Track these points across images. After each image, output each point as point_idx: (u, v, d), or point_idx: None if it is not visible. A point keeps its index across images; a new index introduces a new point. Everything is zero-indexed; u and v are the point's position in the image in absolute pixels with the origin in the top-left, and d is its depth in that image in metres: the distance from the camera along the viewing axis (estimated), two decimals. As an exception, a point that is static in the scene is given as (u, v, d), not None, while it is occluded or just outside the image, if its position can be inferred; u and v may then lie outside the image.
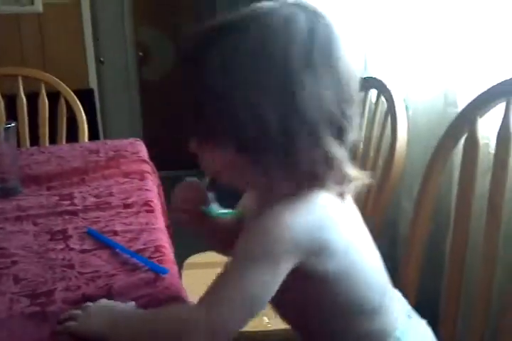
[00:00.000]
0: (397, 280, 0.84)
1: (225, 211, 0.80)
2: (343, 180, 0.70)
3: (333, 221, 0.70)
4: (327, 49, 0.66)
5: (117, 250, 0.91)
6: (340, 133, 0.68)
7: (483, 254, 1.02)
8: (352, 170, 0.70)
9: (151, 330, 0.67)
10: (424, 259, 1.11)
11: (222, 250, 0.89)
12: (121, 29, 3.88)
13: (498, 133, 0.99)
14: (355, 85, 0.69)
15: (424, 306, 1.12)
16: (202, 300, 0.66)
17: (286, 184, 0.68)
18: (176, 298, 0.76)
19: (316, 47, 0.65)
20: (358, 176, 0.71)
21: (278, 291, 0.66)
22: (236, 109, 0.64)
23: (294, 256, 0.66)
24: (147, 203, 1.14)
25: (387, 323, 0.80)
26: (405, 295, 0.94)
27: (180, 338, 0.65)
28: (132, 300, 0.75)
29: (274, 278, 0.65)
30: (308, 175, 0.68)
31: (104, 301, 0.74)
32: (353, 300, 0.76)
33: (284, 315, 0.81)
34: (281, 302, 0.74)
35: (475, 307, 1.03)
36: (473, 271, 1.11)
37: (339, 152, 0.68)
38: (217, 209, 0.78)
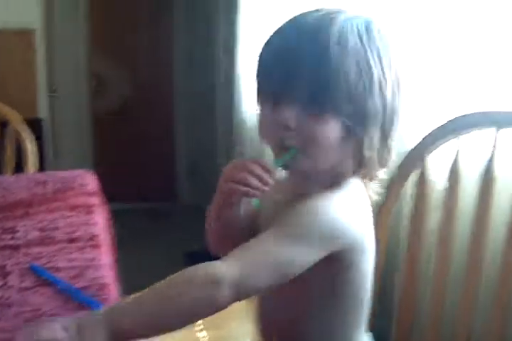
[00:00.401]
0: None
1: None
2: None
3: (369, 216, 0.74)
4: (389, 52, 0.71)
5: (60, 288, 0.87)
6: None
7: (433, 289, 1.03)
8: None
9: (178, 292, 0.63)
10: (376, 295, 1.10)
11: (220, 245, 0.85)
12: (76, 60, 3.84)
13: (450, 170, 1.01)
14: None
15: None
16: (232, 255, 0.65)
17: (370, 170, 0.73)
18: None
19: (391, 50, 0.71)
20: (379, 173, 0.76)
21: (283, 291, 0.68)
22: (371, 81, 0.67)
23: (332, 245, 0.68)
24: (93, 238, 1.10)
25: None
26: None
27: (210, 292, 0.62)
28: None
29: (307, 257, 0.67)
30: (383, 163, 0.73)
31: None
32: (356, 310, 0.76)
33: (270, 323, 0.79)
34: (278, 305, 0.74)
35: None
36: (425, 305, 1.11)
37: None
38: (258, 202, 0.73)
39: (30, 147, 1.89)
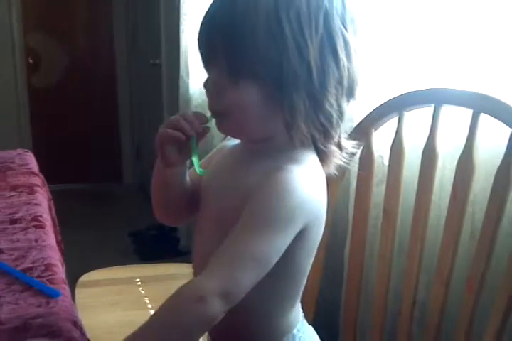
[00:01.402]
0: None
1: (203, 170, 0.76)
2: (338, 145, 0.75)
3: (325, 189, 0.74)
4: (354, 20, 0.72)
5: (2, 269, 0.84)
6: (349, 99, 0.73)
7: (379, 259, 1.06)
8: (344, 140, 0.76)
9: (172, 320, 0.63)
10: (324, 268, 1.12)
11: (159, 207, 0.85)
12: (10, 35, 3.68)
13: (392, 145, 1.04)
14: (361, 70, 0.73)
15: (323, 316, 1.14)
16: (211, 267, 0.65)
17: (296, 136, 0.70)
18: (70, 321, 0.71)
19: (347, 16, 0.71)
20: (347, 145, 0.76)
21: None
22: (285, 44, 0.66)
23: (302, 221, 0.68)
24: (36, 218, 1.07)
25: (293, 318, 0.80)
26: (305, 304, 0.94)
27: (199, 310, 0.63)
28: (22, 324, 0.69)
29: (284, 240, 0.67)
30: (323, 129, 0.71)
31: None
32: (300, 280, 0.77)
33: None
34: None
35: (373, 313, 1.06)
36: (372, 276, 1.14)
37: (346, 113, 0.72)
38: (198, 162, 0.74)
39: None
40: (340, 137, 0.76)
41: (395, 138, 1.03)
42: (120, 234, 2.93)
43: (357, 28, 0.72)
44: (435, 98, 0.98)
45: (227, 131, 0.75)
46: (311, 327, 0.85)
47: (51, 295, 0.76)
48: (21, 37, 3.73)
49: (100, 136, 4.00)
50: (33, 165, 1.48)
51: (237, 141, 0.80)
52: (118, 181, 4.07)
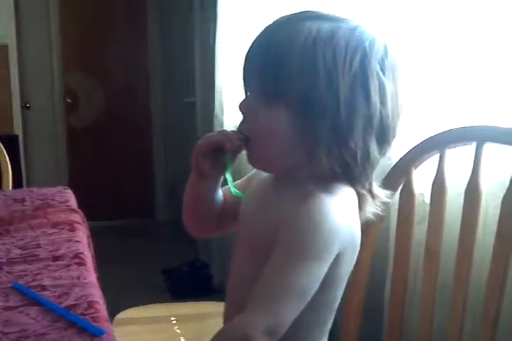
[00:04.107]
0: (337, 327, 0.83)
1: (238, 191, 0.78)
2: (369, 191, 0.75)
3: (357, 220, 0.74)
4: (394, 67, 0.73)
5: (46, 306, 0.84)
6: (383, 146, 0.73)
7: (422, 299, 1.04)
8: (376, 187, 0.76)
9: None
10: (364, 306, 1.10)
11: (188, 218, 0.87)
12: (49, 74, 3.80)
13: (433, 183, 1.02)
14: (399, 113, 0.74)
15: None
16: (253, 303, 0.66)
17: (317, 168, 0.71)
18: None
19: (387, 62, 0.72)
20: (380, 193, 0.77)
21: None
22: (316, 74, 0.69)
23: (337, 246, 0.69)
24: (78, 255, 1.08)
25: None
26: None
27: None
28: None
29: (322, 269, 0.68)
30: (344, 165, 0.71)
31: None
32: (331, 308, 0.77)
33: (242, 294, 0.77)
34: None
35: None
36: (413, 317, 1.11)
37: (376, 160, 0.73)
38: (232, 180, 0.77)
39: (6, 164, 1.86)
40: (371, 184, 0.76)
41: (436, 175, 1.02)
42: (153, 271, 2.93)
43: (397, 75, 0.74)
44: (477, 135, 0.97)
45: (253, 155, 0.76)
46: None
47: (96, 333, 0.76)
48: (61, 76, 3.85)
49: (134, 173, 4.06)
50: (73, 202, 1.51)
51: None
52: (151, 217, 4.10)
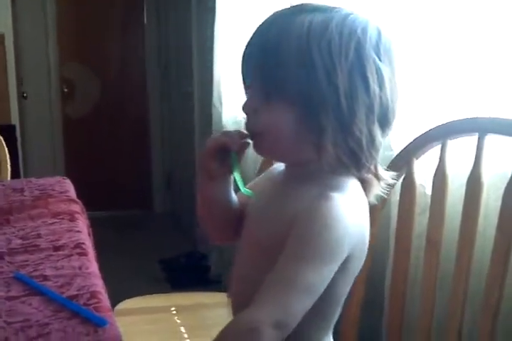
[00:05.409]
0: (337, 319, 0.83)
1: (248, 190, 0.78)
2: (375, 174, 0.76)
3: (368, 218, 0.76)
4: (389, 50, 0.74)
5: (49, 296, 0.84)
6: (385, 129, 0.74)
7: (422, 290, 1.04)
8: (382, 170, 0.77)
9: None
10: (364, 298, 1.11)
11: (204, 219, 0.87)
12: (46, 64, 3.78)
13: (435, 174, 1.03)
14: (397, 94, 0.75)
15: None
16: (262, 296, 0.66)
17: (326, 159, 0.71)
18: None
19: (382, 46, 0.72)
20: (386, 176, 0.77)
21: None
22: (315, 70, 0.69)
23: (347, 248, 0.70)
24: (79, 245, 1.08)
25: None
26: (344, 336, 0.92)
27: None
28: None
29: (332, 269, 0.69)
30: (351, 153, 0.71)
31: None
32: (336, 306, 0.77)
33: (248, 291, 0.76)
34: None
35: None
36: (414, 308, 1.12)
37: (380, 143, 0.73)
38: (240, 179, 0.78)
39: (5, 154, 1.86)
40: (376, 167, 0.77)
41: (438, 166, 1.02)
42: (150, 262, 2.94)
43: (393, 57, 0.74)
44: (479, 127, 0.97)
45: (262, 151, 0.78)
46: None
47: (99, 323, 0.76)
48: (57, 66, 3.83)
49: (131, 164, 4.05)
50: (72, 192, 1.50)
51: (282, 167, 0.81)
52: (148, 209, 4.10)
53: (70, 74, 3.91)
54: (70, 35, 3.86)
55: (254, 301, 0.66)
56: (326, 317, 0.78)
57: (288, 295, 0.66)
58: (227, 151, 0.77)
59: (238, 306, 0.79)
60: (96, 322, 0.76)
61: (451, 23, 1.15)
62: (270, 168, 0.87)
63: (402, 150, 1.08)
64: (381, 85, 0.71)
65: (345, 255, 0.70)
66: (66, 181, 1.61)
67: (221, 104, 2.29)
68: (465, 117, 1.00)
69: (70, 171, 3.79)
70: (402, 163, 1.06)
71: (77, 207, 1.36)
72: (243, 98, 0.78)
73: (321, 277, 0.68)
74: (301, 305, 0.66)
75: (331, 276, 0.69)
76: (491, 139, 0.97)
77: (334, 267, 0.69)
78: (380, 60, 0.72)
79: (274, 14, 0.75)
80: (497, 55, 1.09)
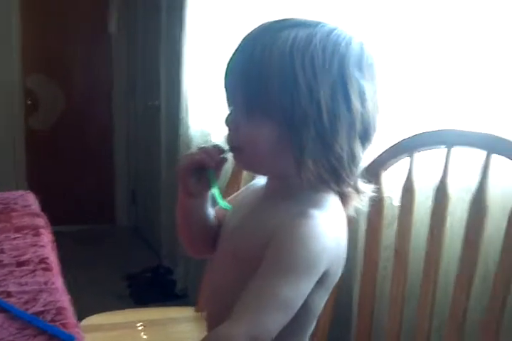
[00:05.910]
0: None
1: (226, 204, 0.79)
2: (355, 188, 0.76)
3: (346, 233, 0.76)
4: (371, 66, 0.74)
5: (13, 314, 0.82)
6: (365, 144, 0.74)
7: (390, 302, 1.05)
8: (361, 183, 0.77)
9: None
10: (333, 310, 1.11)
11: (182, 236, 0.88)
12: (10, 76, 3.71)
13: (403, 186, 1.04)
14: (378, 109, 0.75)
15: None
16: (237, 312, 0.66)
17: (306, 175, 0.71)
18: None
19: (364, 62, 0.73)
20: (365, 189, 0.78)
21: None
22: (297, 87, 0.69)
23: (325, 265, 0.70)
24: (44, 261, 1.05)
25: None
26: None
27: None
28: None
29: (308, 285, 0.69)
30: (332, 170, 0.71)
31: None
32: (311, 320, 0.77)
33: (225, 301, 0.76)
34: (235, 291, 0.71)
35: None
36: (382, 318, 1.12)
37: (361, 159, 0.74)
38: (219, 194, 0.78)
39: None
40: (356, 180, 0.77)
41: (406, 179, 1.03)
42: (114, 277, 2.88)
43: (375, 73, 0.74)
44: (446, 139, 0.99)
45: (242, 164, 0.80)
46: None
47: (66, 340, 0.74)
48: (21, 78, 3.76)
49: (96, 178, 3.99)
50: (36, 206, 1.47)
51: (264, 181, 0.82)
52: (113, 223, 4.03)
53: (34, 86, 3.84)
54: (34, 46, 3.80)
55: (230, 316, 0.66)
56: (301, 331, 0.78)
57: (264, 311, 0.66)
58: (204, 168, 0.77)
59: (214, 321, 0.79)
60: (64, 339, 0.74)
61: (423, 39, 1.17)
62: (253, 181, 0.87)
63: (370, 163, 1.08)
64: (363, 102, 0.72)
65: (322, 270, 0.70)
66: (29, 195, 1.57)
67: (188, 116, 2.28)
68: (432, 130, 1.02)
69: (33, 184, 3.71)
70: (371, 175, 1.07)
71: (41, 221, 1.33)
72: (222, 111, 0.79)
73: (298, 293, 0.68)
74: (277, 321, 0.66)
75: (308, 292, 0.69)
76: (457, 152, 0.99)
77: (311, 283, 0.69)
78: (362, 78, 0.72)
79: (258, 28, 0.75)
80: (463, 68, 1.11)
